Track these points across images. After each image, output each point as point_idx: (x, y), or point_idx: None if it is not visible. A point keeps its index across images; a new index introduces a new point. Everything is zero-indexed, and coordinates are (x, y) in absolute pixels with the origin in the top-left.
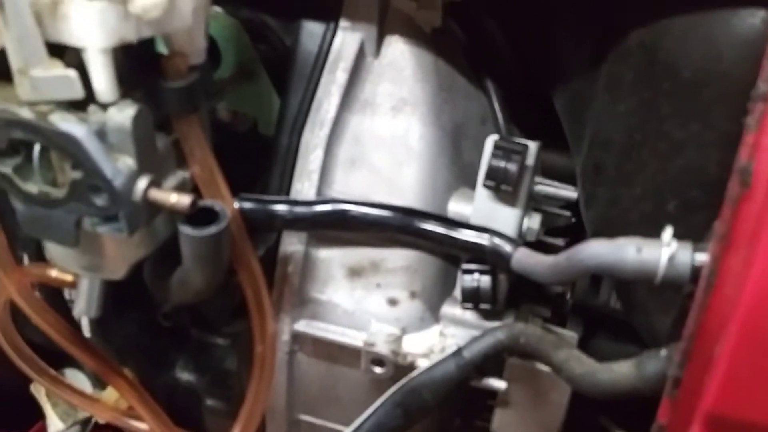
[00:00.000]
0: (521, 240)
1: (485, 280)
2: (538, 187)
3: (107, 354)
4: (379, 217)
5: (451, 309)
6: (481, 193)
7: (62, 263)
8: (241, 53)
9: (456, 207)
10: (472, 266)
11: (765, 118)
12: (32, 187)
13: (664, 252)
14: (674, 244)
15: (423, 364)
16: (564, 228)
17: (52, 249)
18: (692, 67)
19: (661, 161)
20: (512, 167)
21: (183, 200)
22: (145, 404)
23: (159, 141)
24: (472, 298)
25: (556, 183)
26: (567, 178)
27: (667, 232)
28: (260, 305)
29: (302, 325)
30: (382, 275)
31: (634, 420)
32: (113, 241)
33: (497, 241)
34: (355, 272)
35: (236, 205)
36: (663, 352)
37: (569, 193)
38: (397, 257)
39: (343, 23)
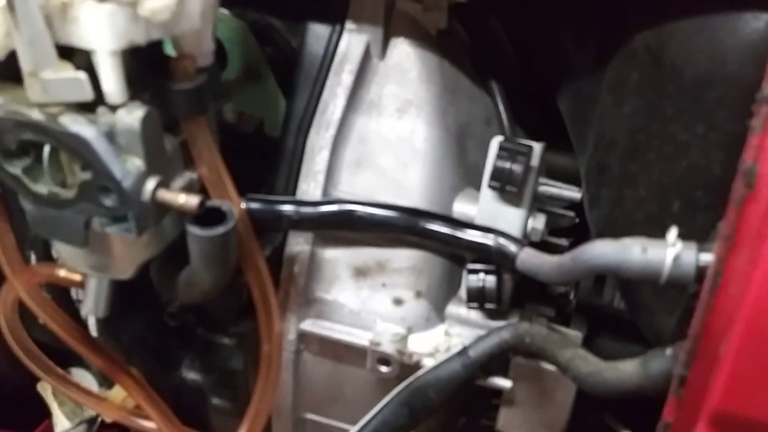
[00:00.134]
0: (526, 240)
1: (490, 280)
2: (543, 188)
3: (114, 353)
4: (385, 217)
5: (457, 308)
6: (486, 193)
7: (71, 263)
8: (248, 55)
9: (461, 207)
10: (478, 266)
11: None
12: (42, 188)
13: (669, 252)
14: (679, 245)
15: (428, 363)
16: (568, 228)
17: (60, 249)
18: (697, 69)
19: (665, 162)
20: (517, 168)
21: (191, 201)
22: (152, 403)
23: (167, 142)
24: (477, 297)
25: (560, 183)
26: (571, 179)
27: (672, 232)
28: (267, 305)
29: (308, 325)
30: (388, 275)
31: (638, 419)
32: (122, 241)
33: (502, 241)
34: (360, 272)
35: (243, 205)
36: (668, 351)
37: (573, 193)
38: (403, 257)
39: (349, 25)
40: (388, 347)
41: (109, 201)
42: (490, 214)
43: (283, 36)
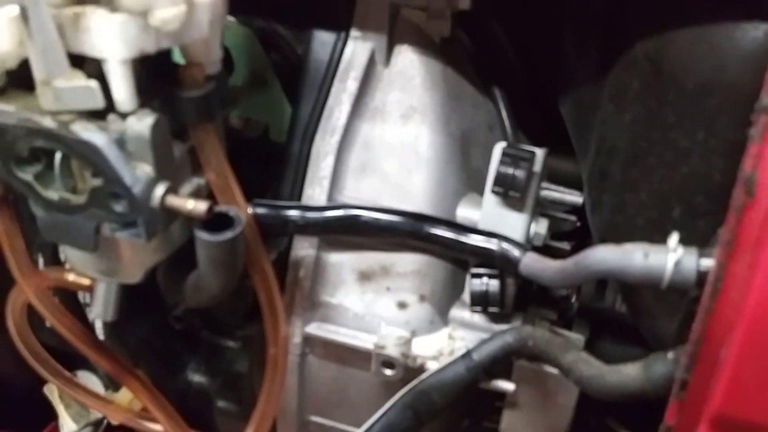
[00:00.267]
0: (529, 245)
1: (494, 284)
2: (545, 192)
3: (121, 356)
4: (390, 222)
5: (460, 312)
6: (490, 198)
7: (80, 267)
8: (254, 62)
9: (465, 212)
10: (481, 270)
11: None
12: (53, 194)
13: (670, 257)
14: (680, 250)
15: (432, 366)
16: (569, 232)
17: (70, 253)
18: (697, 77)
19: (666, 169)
20: (520, 174)
21: (199, 206)
22: (158, 405)
23: (176, 149)
24: (480, 301)
25: (561, 188)
26: (572, 183)
27: (673, 238)
28: (273, 308)
29: (313, 328)
30: (392, 279)
31: (640, 422)
32: (130, 246)
33: (505, 245)
34: (365, 276)
35: (250, 210)
36: (670, 354)
37: (575, 198)
38: (407, 261)
39: (354, 33)
40: (392, 350)
41: (119, 207)
42: (494, 219)
43: (289, 43)
